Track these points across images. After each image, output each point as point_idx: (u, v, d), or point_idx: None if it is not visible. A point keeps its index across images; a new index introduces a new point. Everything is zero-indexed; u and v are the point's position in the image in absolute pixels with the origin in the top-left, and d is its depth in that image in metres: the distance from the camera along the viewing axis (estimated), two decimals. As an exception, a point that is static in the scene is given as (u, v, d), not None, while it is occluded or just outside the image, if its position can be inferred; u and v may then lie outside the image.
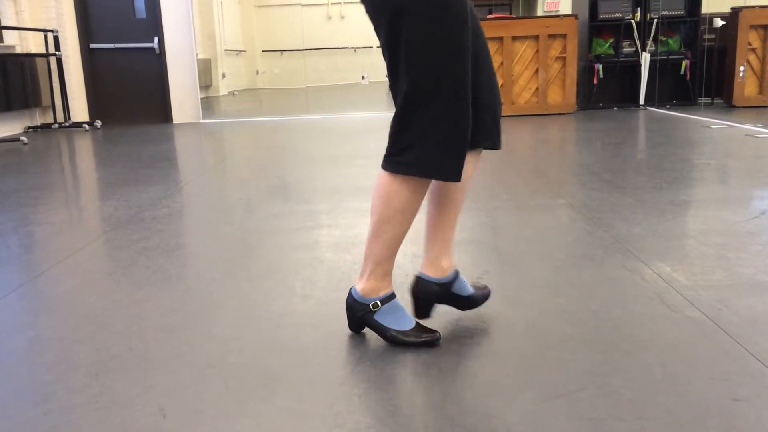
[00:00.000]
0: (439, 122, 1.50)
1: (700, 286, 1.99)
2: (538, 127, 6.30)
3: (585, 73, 7.93)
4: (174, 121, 8.20)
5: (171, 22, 8.01)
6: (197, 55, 8.69)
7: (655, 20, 7.74)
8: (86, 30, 8.04)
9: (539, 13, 11.75)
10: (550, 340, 1.65)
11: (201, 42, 13.76)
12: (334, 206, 3.20)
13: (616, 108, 7.93)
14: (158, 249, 2.58)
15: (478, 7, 12.43)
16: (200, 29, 13.78)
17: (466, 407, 1.35)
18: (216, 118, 8.77)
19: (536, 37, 7.27)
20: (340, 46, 16.23)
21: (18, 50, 7.37)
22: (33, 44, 7.62)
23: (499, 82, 7.35)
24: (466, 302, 1.79)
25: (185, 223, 2.99)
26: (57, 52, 7.60)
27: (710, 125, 5.98)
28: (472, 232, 2.66)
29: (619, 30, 7.85)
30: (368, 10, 1.56)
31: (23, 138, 6.39)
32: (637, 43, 7.81)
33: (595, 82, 7.90)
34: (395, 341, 1.63)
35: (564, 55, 7.33)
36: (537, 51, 7.30)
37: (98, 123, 7.92)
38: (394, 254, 1.63)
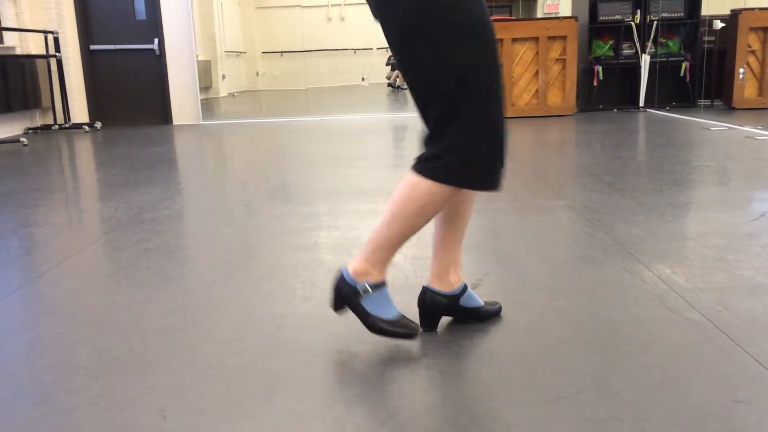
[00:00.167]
0: (469, 132, 1.49)
1: (700, 288, 1.99)
2: (538, 129, 6.30)
3: (585, 75, 7.94)
4: (174, 123, 8.20)
5: (171, 24, 8.01)
6: (197, 56, 8.69)
7: (655, 22, 7.75)
8: (86, 31, 8.05)
9: (539, 15, 11.77)
10: (550, 341, 1.65)
11: (201, 43, 13.77)
12: (334, 208, 3.20)
13: (615, 110, 7.93)
14: (158, 250, 2.58)
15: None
16: (200, 31, 13.79)
17: (466, 409, 1.35)
18: (216, 119, 8.77)
19: (536, 39, 7.28)
20: (340, 48, 16.24)
21: (18, 51, 7.38)
22: (33, 45, 7.62)
23: (499, 83, 7.35)
24: (475, 314, 1.78)
25: (185, 225, 2.99)
26: (57, 54, 7.61)
27: (710, 127, 5.99)
28: (472, 234, 2.66)
29: (619, 32, 7.86)
30: (386, 31, 1.54)
31: (23, 139, 6.40)
32: (637, 45, 7.81)
33: (595, 83, 7.90)
34: (374, 327, 1.62)
35: (564, 57, 7.34)
36: (537, 53, 7.31)
37: (98, 124, 7.93)
38: (397, 248, 1.62)
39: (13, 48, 7.32)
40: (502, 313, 1.84)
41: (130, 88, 8.18)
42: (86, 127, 7.64)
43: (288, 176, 4.13)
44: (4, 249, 2.67)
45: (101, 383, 1.50)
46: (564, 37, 7.30)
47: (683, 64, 7.87)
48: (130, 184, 4.05)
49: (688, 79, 7.93)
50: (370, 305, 1.63)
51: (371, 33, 14.85)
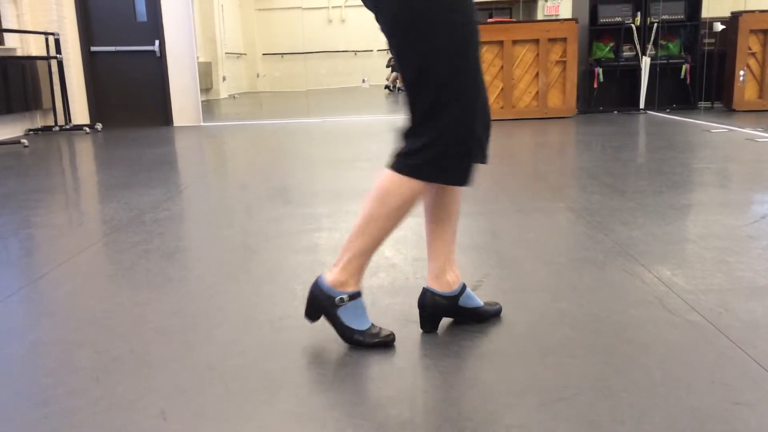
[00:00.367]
0: (453, 127, 1.52)
1: (700, 290, 1.99)
2: (539, 131, 6.30)
3: (585, 76, 7.94)
4: (174, 124, 8.21)
5: (172, 25, 8.02)
6: (198, 58, 8.70)
7: (656, 24, 7.75)
8: (87, 33, 8.05)
9: (539, 17, 11.77)
10: (550, 343, 1.65)
11: (202, 45, 13.78)
12: (334, 209, 3.21)
13: (616, 112, 7.93)
14: (159, 252, 2.58)
15: (478, 11, 12.45)
16: (201, 32, 13.81)
17: (467, 410, 1.35)
18: (216, 121, 8.78)
19: (536, 41, 7.28)
20: (340, 50, 16.25)
21: (19, 53, 7.38)
22: (34, 47, 7.63)
23: (500, 85, 7.36)
24: (475, 314, 1.78)
25: (186, 226, 2.99)
26: (58, 55, 7.62)
27: (710, 129, 5.99)
28: (473, 236, 2.66)
29: (620, 34, 7.86)
30: (382, 27, 1.57)
31: (24, 141, 6.40)
32: (638, 47, 7.82)
33: (596, 85, 7.91)
34: (352, 341, 1.65)
35: (564, 59, 7.35)
36: (537, 55, 7.31)
37: (99, 126, 7.93)
38: (372, 252, 1.63)
39: (14, 49, 7.33)
40: (503, 314, 1.84)
41: (131, 90, 8.19)
42: (87, 129, 7.65)
43: (288, 178, 4.14)
44: (5, 250, 2.67)
45: (102, 385, 1.51)
46: (564, 39, 7.31)
47: (683, 66, 7.88)
48: (131, 185, 4.05)
49: (688, 81, 7.93)
50: (346, 316, 1.65)
51: (372, 35, 14.87)
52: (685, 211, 2.97)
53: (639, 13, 7.75)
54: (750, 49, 7.53)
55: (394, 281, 2.13)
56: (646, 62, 7.72)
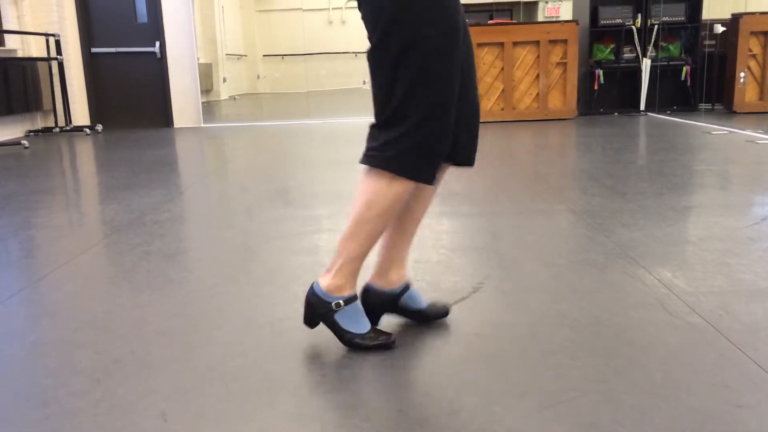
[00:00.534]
0: (421, 127, 1.52)
1: (701, 292, 1.99)
2: (539, 133, 6.30)
3: (586, 78, 7.95)
4: (175, 126, 8.21)
5: (172, 27, 8.03)
6: (198, 59, 8.71)
7: (656, 26, 7.76)
8: (88, 34, 8.06)
9: (540, 18, 11.78)
10: (551, 345, 1.65)
11: (202, 46, 13.79)
12: (335, 211, 3.21)
13: (616, 113, 7.94)
14: (159, 253, 2.58)
15: (478, 12, 12.46)
16: (201, 33, 13.82)
17: (467, 412, 1.35)
18: (217, 122, 8.78)
19: (537, 43, 7.28)
20: (341, 51, 16.26)
21: (20, 54, 7.39)
22: (35, 48, 7.64)
23: (500, 87, 7.37)
24: (417, 315, 1.79)
25: (186, 228, 2.99)
26: (58, 56, 7.62)
27: (711, 131, 5.99)
28: (473, 238, 2.66)
29: (620, 36, 7.86)
30: (363, 15, 1.58)
31: (24, 142, 6.40)
32: (638, 48, 7.82)
33: (596, 87, 7.91)
34: (351, 344, 1.65)
35: (565, 60, 7.35)
36: (538, 56, 7.32)
37: (99, 127, 7.94)
38: (365, 255, 1.63)
39: (15, 51, 7.34)
40: (503, 315, 1.84)
41: (131, 91, 8.19)
42: (87, 130, 7.65)
43: (289, 179, 4.14)
44: (5, 251, 2.67)
45: (102, 386, 1.50)
46: (565, 41, 7.31)
47: (684, 68, 7.88)
48: (131, 186, 4.05)
49: (688, 83, 7.93)
50: (344, 321, 1.65)
51: (372, 36, 14.83)
52: (686, 213, 2.97)
53: (639, 15, 7.76)
54: (750, 50, 7.54)
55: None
56: (646, 64, 7.72)
